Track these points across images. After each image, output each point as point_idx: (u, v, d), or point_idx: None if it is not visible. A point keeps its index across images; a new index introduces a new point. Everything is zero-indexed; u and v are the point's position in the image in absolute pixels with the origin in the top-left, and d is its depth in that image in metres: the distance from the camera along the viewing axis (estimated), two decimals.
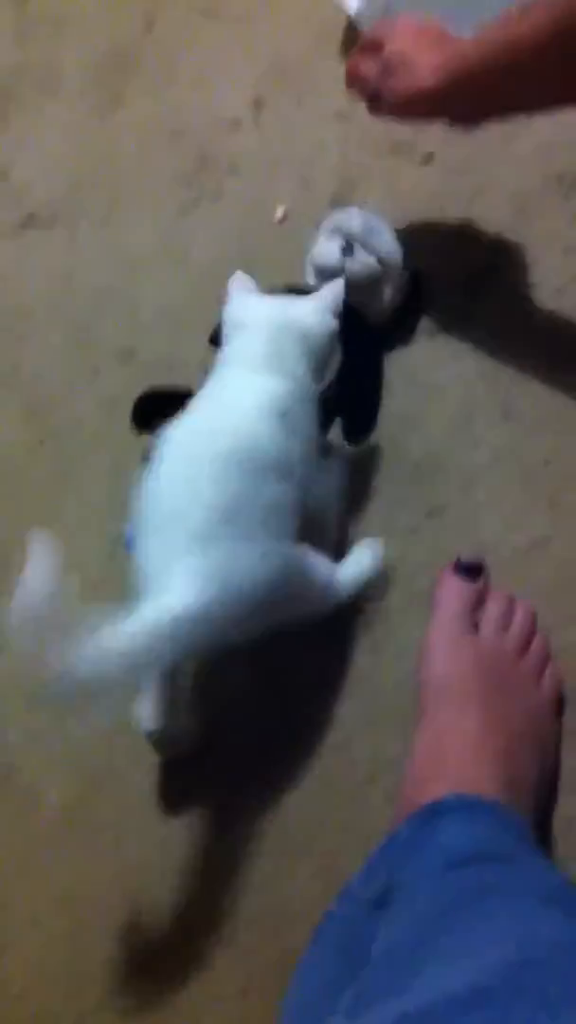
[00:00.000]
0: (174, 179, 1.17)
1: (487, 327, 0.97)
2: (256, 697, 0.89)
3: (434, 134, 1.09)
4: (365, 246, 0.92)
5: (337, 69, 1.18)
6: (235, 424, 0.75)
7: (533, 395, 0.93)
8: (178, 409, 0.94)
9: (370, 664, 0.87)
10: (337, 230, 0.94)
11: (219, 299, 0.88)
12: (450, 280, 1.00)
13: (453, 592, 0.82)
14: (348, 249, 0.92)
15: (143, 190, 1.18)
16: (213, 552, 0.70)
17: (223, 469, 0.72)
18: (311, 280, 0.95)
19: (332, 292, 0.85)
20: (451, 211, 1.05)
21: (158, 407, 0.98)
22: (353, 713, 0.85)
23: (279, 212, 1.09)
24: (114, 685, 0.66)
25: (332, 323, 0.84)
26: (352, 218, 0.94)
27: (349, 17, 1.15)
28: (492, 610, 0.82)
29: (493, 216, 1.03)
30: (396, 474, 0.93)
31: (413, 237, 1.01)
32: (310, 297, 0.85)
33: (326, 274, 0.91)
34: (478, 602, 0.82)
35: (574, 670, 0.82)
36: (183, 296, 1.08)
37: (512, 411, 0.93)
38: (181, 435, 0.77)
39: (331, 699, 0.86)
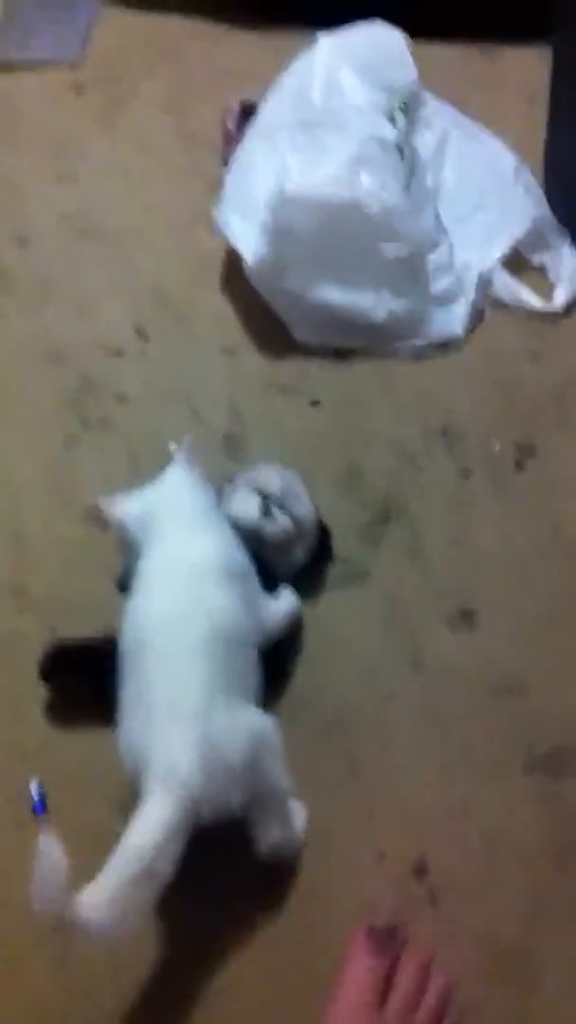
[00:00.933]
0: (59, 407, 1.15)
1: (387, 575, 1.02)
2: (168, 958, 0.84)
3: (320, 378, 1.15)
4: (282, 508, 0.96)
5: (220, 303, 1.23)
6: (203, 605, 0.84)
7: (438, 644, 0.97)
8: (87, 663, 0.93)
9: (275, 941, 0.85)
10: (256, 488, 0.96)
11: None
12: (349, 527, 1.04)
13: (363, 967, 0.73)
14: (267, 510, 0.95)
15: (27, 417, 1.15)
16: (209, 726, 0.78)
17: (207, 649, 0.81)
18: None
19: (184, 454, 0.95)
20: (341, 453, 1.10)
21: (66, 660, 0.96)
22: (259, 987, 0.82)
23: (173, 447, 1.09)
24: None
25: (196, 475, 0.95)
26: (271, 478, 0.97)
27: (245, 264, 1.16)
28: (402, 984, 0.73)
29: (382, 462, 1.09)
30: (309, 728, 0.93)
31: (307, 481, 1.02)
32: (169, 471, 0.95)
33: (243, 530, 0.94)
34: (390, 970, 0.74)
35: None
36: (74, 530, 1.05)
37: (419, 660, 0.97)
38: (157, 618, 0.84)
39: (237, 969, 0.83)
